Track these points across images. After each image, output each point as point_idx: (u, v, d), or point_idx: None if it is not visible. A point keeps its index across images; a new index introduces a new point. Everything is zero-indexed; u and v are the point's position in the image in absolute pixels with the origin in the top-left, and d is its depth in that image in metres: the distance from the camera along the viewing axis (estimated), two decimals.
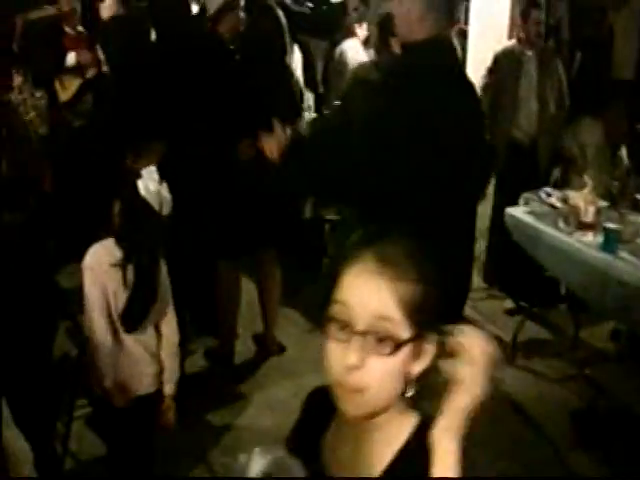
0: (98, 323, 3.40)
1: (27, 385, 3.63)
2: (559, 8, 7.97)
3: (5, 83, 5.27)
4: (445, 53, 3.38)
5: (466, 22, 8.71)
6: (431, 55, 3.25)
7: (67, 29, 6.75)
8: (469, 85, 3.48)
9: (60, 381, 3.85)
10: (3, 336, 3.48)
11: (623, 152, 5.89)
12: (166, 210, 3.55)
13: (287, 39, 5.43)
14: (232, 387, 5.23)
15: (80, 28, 6.87)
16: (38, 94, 5.39)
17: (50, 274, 3.94)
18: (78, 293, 3.47)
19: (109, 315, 3.42)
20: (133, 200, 3.43)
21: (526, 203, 5.43)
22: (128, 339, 3.50)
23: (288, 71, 5.62)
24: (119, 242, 3.41)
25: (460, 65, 3.29)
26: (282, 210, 5.27)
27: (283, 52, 5.34)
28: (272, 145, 3.70)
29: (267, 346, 5.58)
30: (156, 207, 3.46)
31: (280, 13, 5.43)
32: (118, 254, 3.40)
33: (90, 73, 6.44)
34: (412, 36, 3.25)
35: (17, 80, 5.32)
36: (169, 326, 3.64)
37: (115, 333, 3.46)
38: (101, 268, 3.40)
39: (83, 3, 7.08)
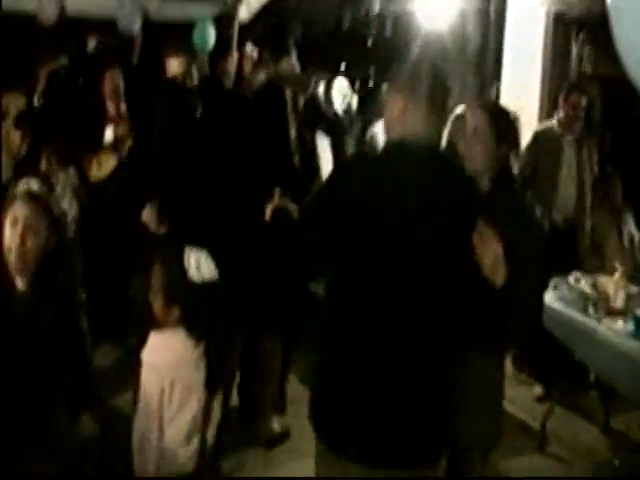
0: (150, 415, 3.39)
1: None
2: (590, 91, 7.93)
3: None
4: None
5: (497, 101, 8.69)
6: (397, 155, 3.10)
7: (110, 107, 6.82)
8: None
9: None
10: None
11: None
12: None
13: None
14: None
15: (123, 106, 6.85)
16: (71, 171, 5.40)
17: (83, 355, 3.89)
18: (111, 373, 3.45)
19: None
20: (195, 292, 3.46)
21: (555, 288, 5.34)
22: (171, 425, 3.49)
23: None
24: (191, 332, 3.42)
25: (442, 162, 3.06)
26: None
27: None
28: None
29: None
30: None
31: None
32: (180, 347, 3.40)
33: (125, 149, 6.48)
34: (389, 134, 3.13)
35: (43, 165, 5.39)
36: (218, 402, 3.65)
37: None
38: (162, 361, 3.41)
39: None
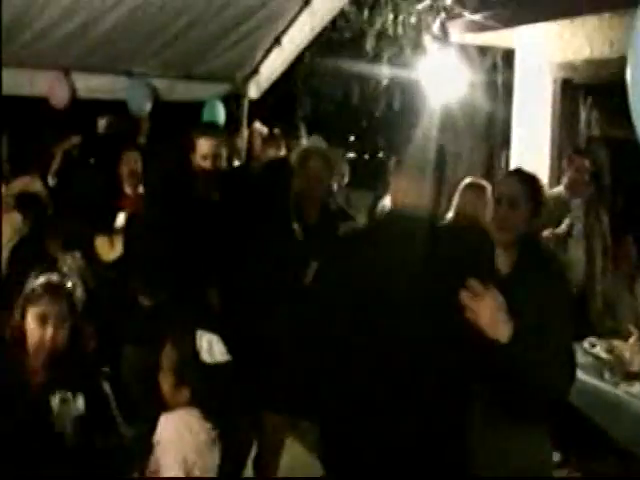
0: None
1: None
2: (599, 155, 7.94)
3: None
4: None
5: (507, 169, 8.71)
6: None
7: (127, 189, 6.86)
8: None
9: None
10: None
11: None
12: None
13: None
14: None
15: (140, 188, 6.88)
16: (77, 255, 5.42)
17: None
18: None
19: None
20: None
21: None
22: None
23: None
24: (204, 411, 3.39)
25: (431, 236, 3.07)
26: None
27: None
28: None
29: None
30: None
31: None
32: (196, 427, 3.40)
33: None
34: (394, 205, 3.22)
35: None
36: None
37: None
38: (182, 441, 3.36)
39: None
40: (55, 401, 3.55)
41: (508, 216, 3.44)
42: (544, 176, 7.85)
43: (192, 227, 4.99)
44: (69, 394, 3.58)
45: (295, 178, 5.23)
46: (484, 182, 5.97)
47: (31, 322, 3.60)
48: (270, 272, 4.78)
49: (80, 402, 3.61)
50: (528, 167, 7.64)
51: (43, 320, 3.58)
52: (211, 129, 5.46)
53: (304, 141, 8.12)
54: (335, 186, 5.60)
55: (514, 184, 3.51)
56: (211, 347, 3.47)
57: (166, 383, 3.49)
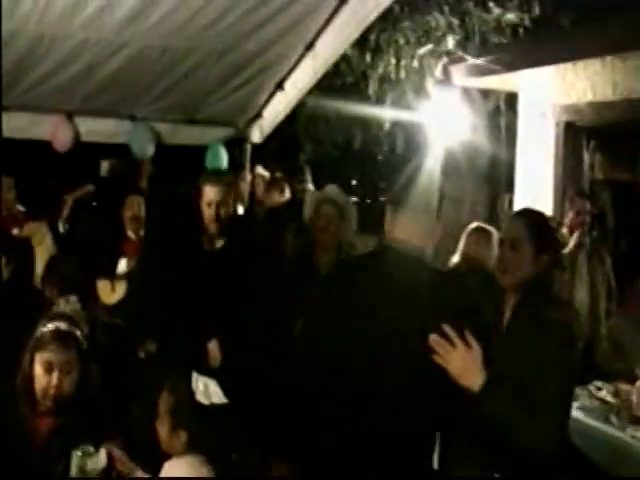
0: None
1: None
2: (602, 197, 7.93)
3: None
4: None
5: (510, 212, 8.69)
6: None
7: (129, 234, 6.84)
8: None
9: None
10: None
11: None
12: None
13: None
14: None
15: (142, 232, 6.89)
16: (72, 299, 5.39)
17: None
18: None
19: None
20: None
21: (575, 399, 5.21)
22: None
23: None
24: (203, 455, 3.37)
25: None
26: None
27: None
28: None
29: None
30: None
31: None
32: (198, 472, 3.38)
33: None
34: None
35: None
36: None
37: None
38: None
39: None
40: (78, 454, 3.53)
41: (509, 258, 3.35)
42: None
43: (190, 276, 5.00)
44: (91, 448, 3.55)
45: (308, 225, 5.28)
46: (490, 227, 5.96)
47: (38, 368, 3.62)
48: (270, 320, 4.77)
49: (102, 456, 3.58)
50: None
51: (49, 367, 3.60)
52: (216, 175, 5.47)
53: (310, 185, 8.11)
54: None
55: (516, 225, 3.44)
56: (207, 389, 3.47)
57: (163, 428, 3.47)
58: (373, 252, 3.41)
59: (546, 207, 7.90)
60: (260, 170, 8.70)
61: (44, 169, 8.00)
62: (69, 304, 5.36)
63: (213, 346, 4.98)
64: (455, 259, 6.10)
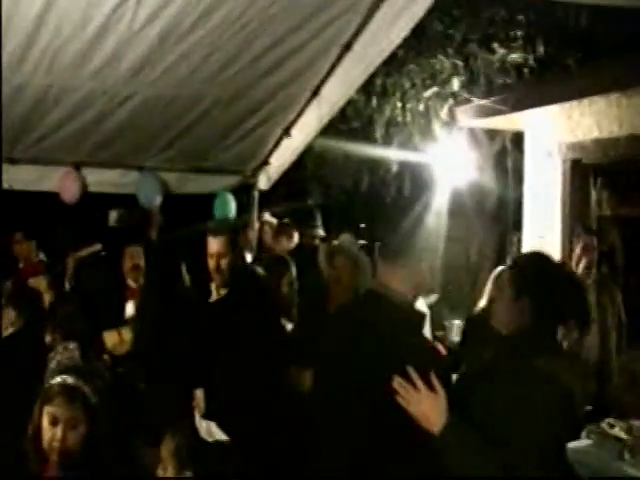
0: None
1: None
2: (611, 234, 7.91)
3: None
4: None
5: (519, 252, 8.66)
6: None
7: (130, 283, 6.85)
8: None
9: None
10: None
11: None
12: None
13: None
14: None
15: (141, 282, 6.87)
16: (71, 346, 5.40)
17: None
18: None
19: None
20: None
21: (588, 436, 5.16)
22: None
23: None
24: None
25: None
26: None
27: None
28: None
29: None
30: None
31: None
32: None
33: None
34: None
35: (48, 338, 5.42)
36: None
37: None
38: None
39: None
40: None
41: (495, 299, 3.32)
42: (555, 256, 7.81)
43: (187, 325, 5.02)
44: None
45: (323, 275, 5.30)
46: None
47: (45, 421, 3.61)
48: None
49: None
50: (540, 248, 7.69)
51: (54, 421, 3.58)
52: (217, 227, 5.48)
53: (320, 230, 8.10)
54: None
55: (505, 271, 3.39)
56: (209, 427, 3.47)
57: (168, 472, 3.42)
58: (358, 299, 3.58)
59: (554, 245, 7.89)
60: (268, 217, 8.70)
61: (53, 220, 8.01)
62: (67, 351, 5.39)
63: (199, 394, 4.95)
64: (481, 303, 6.13)
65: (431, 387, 2.91)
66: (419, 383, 2.90)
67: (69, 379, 3.71)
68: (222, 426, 3.91)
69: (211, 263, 5.15)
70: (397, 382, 2.91)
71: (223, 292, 5.21)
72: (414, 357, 3.01)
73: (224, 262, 5.13)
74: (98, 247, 7.36)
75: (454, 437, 2.89)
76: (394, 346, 3.04)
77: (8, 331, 5.91)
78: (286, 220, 8.50)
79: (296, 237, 8.13)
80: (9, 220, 7.39)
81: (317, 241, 7.94)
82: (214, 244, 5.16)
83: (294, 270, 5.87)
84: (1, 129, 5.71)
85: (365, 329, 3.16)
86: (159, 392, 5.06)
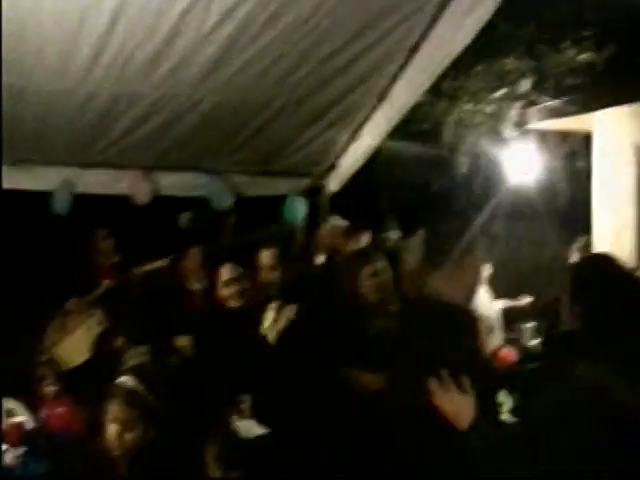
0: None
1: None
2: None
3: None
4: None
5: None
6: None
7: (192, 285, 6.90)
8: None
9: None
10: None
11: None
12: None
13: None
14: None
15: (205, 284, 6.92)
16: (142, 349, 5.48)
17: None
18: None
19: None
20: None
21: None
22: None
23: None
24: None
25: None
26: None
27: None
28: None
29: None
30: None
31: None
32: None
33: None
34: None
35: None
36: None
37: None
38: None
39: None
40: None
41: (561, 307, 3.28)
42: (628, 257, 7.70)
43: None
44: None
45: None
46: None
47: (106, 419, 3.73)
48: None
49: None
50: (611, 249, 7.59)
51: (113, 420, 3.70)
52: (270, 240, 5.49)
53: (393, 234, 8.05)
54: None
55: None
56: (247, 426, 3.51)
57: (216, 475, 3.46)
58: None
59: (626, 249, 7.78)
60: (337, 220, 8.67)
61: (129, 223, 8.13)
62: (137, 355, 5.48)
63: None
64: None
65: (462, 388, 3.16)
66: (451, 385, 3.15)
67: (128, 381, 3.78)
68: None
69: (265, 276, 5.14)
70: (432, 382, 3.18)
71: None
72: (454, 359, 3.28)
73: (272, 275, 5.13)
74: (163, 263, 7.40)
75: (479, 435, 3.06)
76: (440, 348, 3.32)
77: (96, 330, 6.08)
78: (354, 223, 8.47)
79: (365, 239, 8.09)
80: (84, 223, 7.53)
81: (391, 243, 7.89)
82: (265, 257, 5.17)
83: (380, 263, 5.65)
84: (1, 131, 5.77)
85: (417, 330, 3.46)
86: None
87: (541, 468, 2.83)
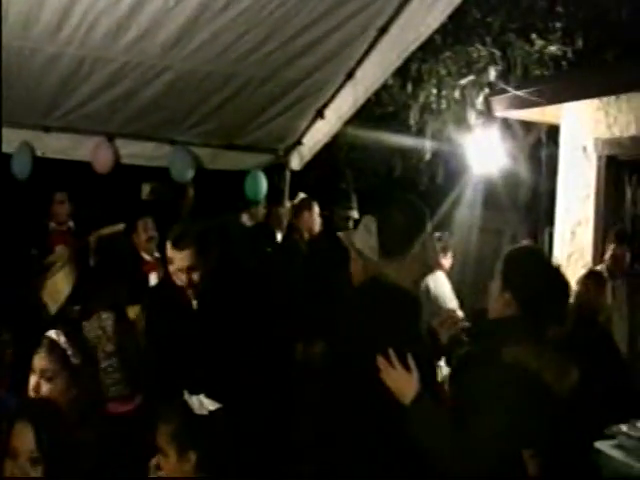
0: None
1: None
2: None
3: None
4: None
5: (550, 249, 8.61)
6: None
7: (145, 255, 6.90)
8: None
9: None
10: None
11: None
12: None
13: None
14: None
15: (157, 254, 6.93)
16: (104, 315, 5.46)
17: None
18: None
19: None
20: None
21: (614, 436, 5.11)
22: None
23: None
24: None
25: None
26: None
27: None
28: None
29: None
30: None
31: None
32: None
33: None
34: None
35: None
36: None
37: None
38: None
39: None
40: None
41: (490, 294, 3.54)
42: (587, 252, 7.78)
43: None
44: None
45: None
46: (603, 271, 6.36)
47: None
48: None
49: None
50: (572, 244, 7.67)
51: (34, 370, 3.65)
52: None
53: (354, 212, 8.03)
54: None
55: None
56: (201, 402, 3.48)
57: (171, 458, 3.41)
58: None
59: (585, 242, 7.85)
60: (301, 198, 8.64)
61: (88, 189, 8.06)
62: (100, 320, 5.47)
63: None
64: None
65: (407, 366, 3.39)
66: (396, 362, 3.39)
67: (54, 334, 3.75)
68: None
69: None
70: (379, 360, 3.42)
71: None
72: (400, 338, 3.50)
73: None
74: (121, 227, 7.37)
75: (420, 410, 3.31)
76: (387, 329, 3.54)
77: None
78: (304, 195, 8.45)
79: (317, 210, 8.05)
80: (44, 186, 7.46)
81: (350, 222, 7.87)
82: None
83: None
84: (1, 101, 5.71)
85: (366, 312, 3.63)
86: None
87: (472, 442, 3.15)
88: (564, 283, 3.41)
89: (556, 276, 3.39)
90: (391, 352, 3.40)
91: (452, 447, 3.20)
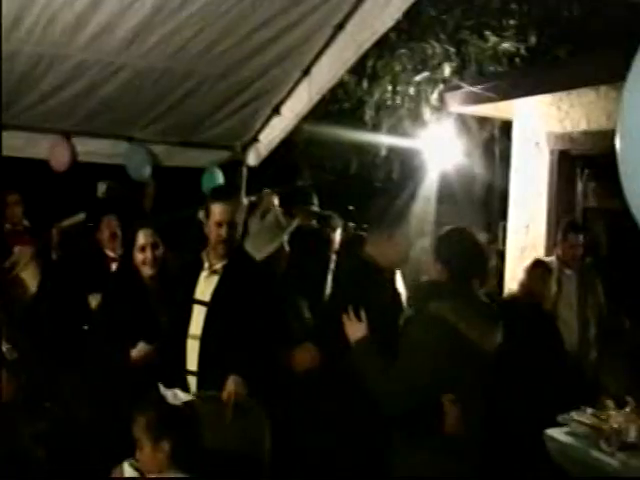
0: None
1: None
2: (596, 226, 7.97)
3: None
4: None
5: (504, 242, 8.72)
6: None
7: (109, 252, 6.88)
8: None
9: None
10: None
11: None
12: None
13: None
14: None
15: (119, 251, 6.88)
16: None
17: None
18: None
19: None
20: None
21: (566, 424, 5.20)
22: None
23: None
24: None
25: None
26: None
27: None
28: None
29: None
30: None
31: None
32: None
33: None
34: None
35: None
36: None
37: None
38: None
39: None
40: None
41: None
42: (540, 246, 7.88)
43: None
44: None
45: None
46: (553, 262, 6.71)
47: None
48: None
49: None
50: (525, 237, 7.76)
51: None
52: (225, 194, 5.20)
53: (315, 209, 8.04)
54: None
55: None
56: (175, 394, 3.52)
57: (146, 448, 3.45)
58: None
59: (539, 235, 7.95)
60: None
61: (45, 188, 8.00)
62: None
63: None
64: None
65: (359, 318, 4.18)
66: (352, 315, 4.18)
67: None
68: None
69: (220, 232, 4.89)
70: (344, 316, 4.20)
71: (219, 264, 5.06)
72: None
73: (234, 231, 4.91)
74: (81, 217, 7.35)
75: (361, 349, 4.11)
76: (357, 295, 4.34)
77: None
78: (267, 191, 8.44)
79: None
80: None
81: (314, 221, 7.89)
82: (222, 211, 4.89)
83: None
84: (1, 99, 5.70)
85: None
86: None
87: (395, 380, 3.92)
88: (483, 254, 4.20)
89: (476, 249, 4.11)
90: (350, 309, 4.19)
91: (382, 384, 3.95)
